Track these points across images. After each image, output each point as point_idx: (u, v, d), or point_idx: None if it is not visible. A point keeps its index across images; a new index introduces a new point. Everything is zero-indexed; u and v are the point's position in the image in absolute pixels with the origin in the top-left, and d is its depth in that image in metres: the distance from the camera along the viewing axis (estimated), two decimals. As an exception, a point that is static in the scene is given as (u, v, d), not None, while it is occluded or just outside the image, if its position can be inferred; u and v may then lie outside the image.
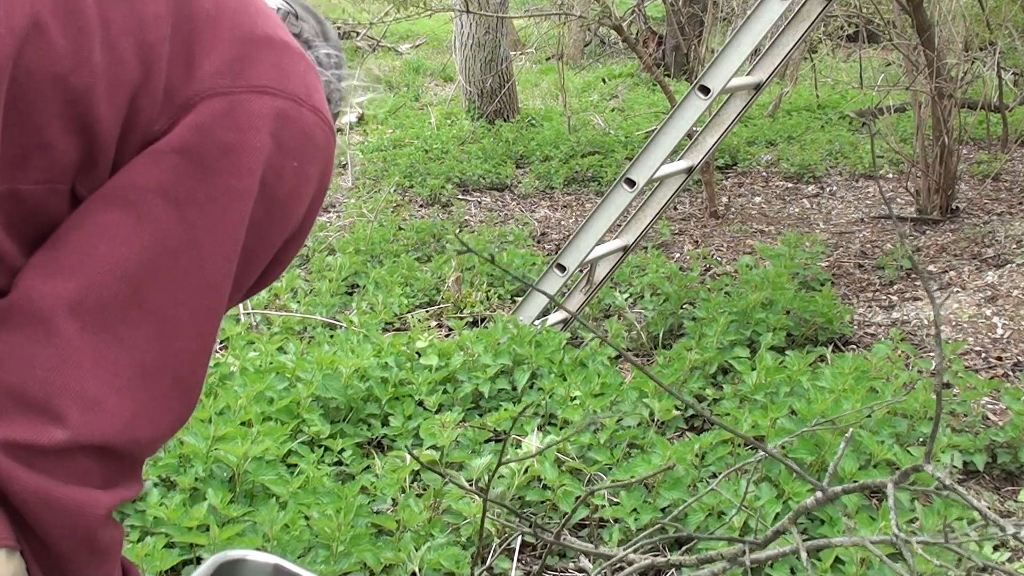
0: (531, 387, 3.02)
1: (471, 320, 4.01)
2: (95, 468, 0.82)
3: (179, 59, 0.86)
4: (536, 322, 3.64)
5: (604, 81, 10.83)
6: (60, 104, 0.80)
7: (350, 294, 4.39)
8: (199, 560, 2.04)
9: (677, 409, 2.80)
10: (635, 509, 2.27)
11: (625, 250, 3.90)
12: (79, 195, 0.86)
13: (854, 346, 3.75)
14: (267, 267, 0.98)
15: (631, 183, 3.50)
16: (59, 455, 0.79)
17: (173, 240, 0.85)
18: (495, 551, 2.18)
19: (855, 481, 2.36)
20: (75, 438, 0.79)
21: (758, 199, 6.31)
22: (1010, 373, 3.47)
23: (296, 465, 2.40)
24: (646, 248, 4.96)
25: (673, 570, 2.10)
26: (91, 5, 0.82)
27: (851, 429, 1.67)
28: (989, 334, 3.82)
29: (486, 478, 2.37)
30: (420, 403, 2.87)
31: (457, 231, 5.41)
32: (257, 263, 0.94)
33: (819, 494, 1.44)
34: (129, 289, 0.83)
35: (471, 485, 2.34)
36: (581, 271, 3.80)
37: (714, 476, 2.44)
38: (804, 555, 1.36)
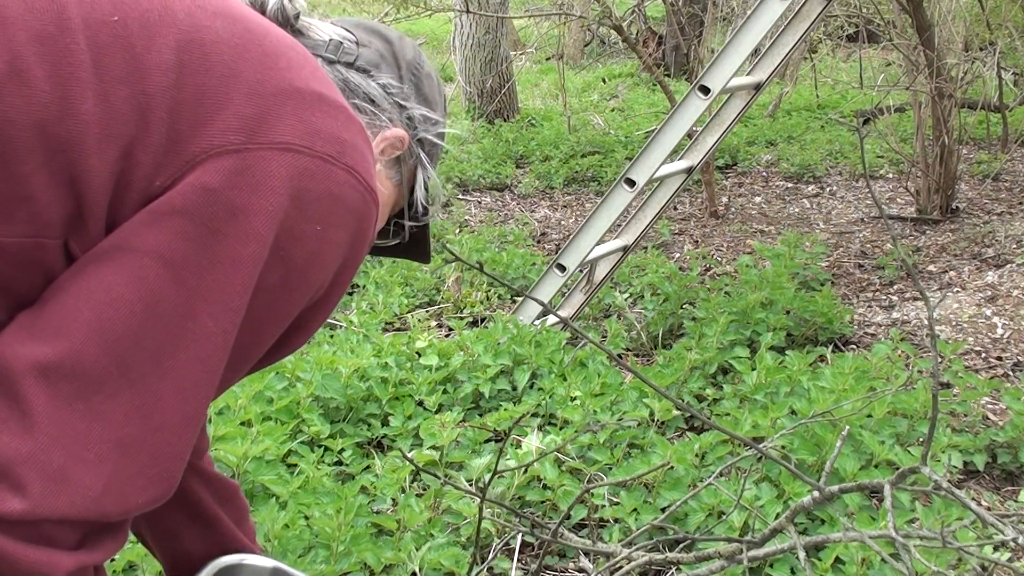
0: (531, 387, 3.02)
1: (471, 320, 4.01)
2: (63, 533, 0.77)
3: (186, 112, 0.80)
4: (536, 322, 3.64)
5: (604, 81, 10.83)
6: (44, 154, 0.75)
7: (350, 294, 4.39)
8: (199, 560, 2.03)
9: (677, 409, 2.80)
10: (635, 509, 2.27)
11: (625, 250, 3.90)
12: (72, 253, 0.80)
13: (854, 346, 3.75)
14: (287, 334, 0.91)
15: (631, 183, 3.50)
16: (17, 523, 0.74)
17: (166, 307, 0.79)
18: (495, 551, 2.18)
19: (855, 481, 2.37)
20: (34, 511, 0.74)
21: (758, 199, 6.31)
22: (1010, 373, 3.47)
23: (296, 465, 2.40)
24: (646, 248, 4.96)
25: (672, 568, 2.10)
26: (84, 51, 0.77)
27: (847, 427, 1.67)
28: (989, 334, 3.82)
29: (486, 479, 2.37)
30: (420, 403, 2.87)
31: (457, 231, 5.41)
32: (270, 331, 0.88)
33: (816, 493, 1.44)
34: (112, 357, 0.77)
35: (471, 485, 2.34)
36: (581, 271, 3.80)
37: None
38: (802, 553, 1.36)
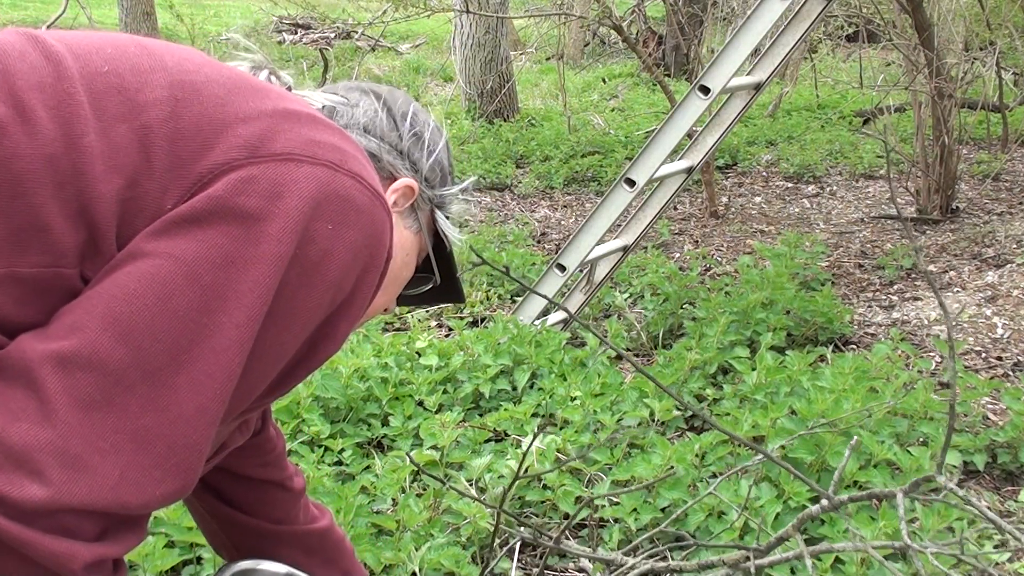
0: (531, 387, 3.02)
1: (471, 320, 4.00)
2: (84, 524, 0.79)
3: (187, 138, 0.86)
4: (536, 322, 3.64)
5: (604, 81, 10.83)
6: (53, 186, 0.80)
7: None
8: (199, 560, 2.03)
9: (678, 409, 2.80)
10: (635, 509, 2.26)
11: (625, 250, 3.90)
12: (88, 281, 0.84)
13: (854, 346, 3.75)
14: (314, 342, 0.93)
15: (631, 183, 3.50)
16: (38, 511, 0.76)
17: (180, 302, 0.82)
18: (492, 550, 2.18)
19: (855, 481, 2.36)
20: (54, 499, 0.76)
21: (758, 199, 6.31)
22: (1010, 373, 3.47)
23: (296, 465, 2.39)
24: (646, 248, 4.96)
25: (675, 574, 2.10)
26: (81, 94, 0.83)
27: (856, 438, 1.66)
28: (989, 334, 3.82)
29: (501, 487, 2.37)
30: (420, 403, 2.87)
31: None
32: (293, 331, 0.90)
33: (824, 502, 1.44)
34: (127, 349, 0.80)
35: (471, 485, 2.33)
36: (581, 271, 3.80)
37: (714, 476, 2.43)
38: (808, 562, 1.36)
